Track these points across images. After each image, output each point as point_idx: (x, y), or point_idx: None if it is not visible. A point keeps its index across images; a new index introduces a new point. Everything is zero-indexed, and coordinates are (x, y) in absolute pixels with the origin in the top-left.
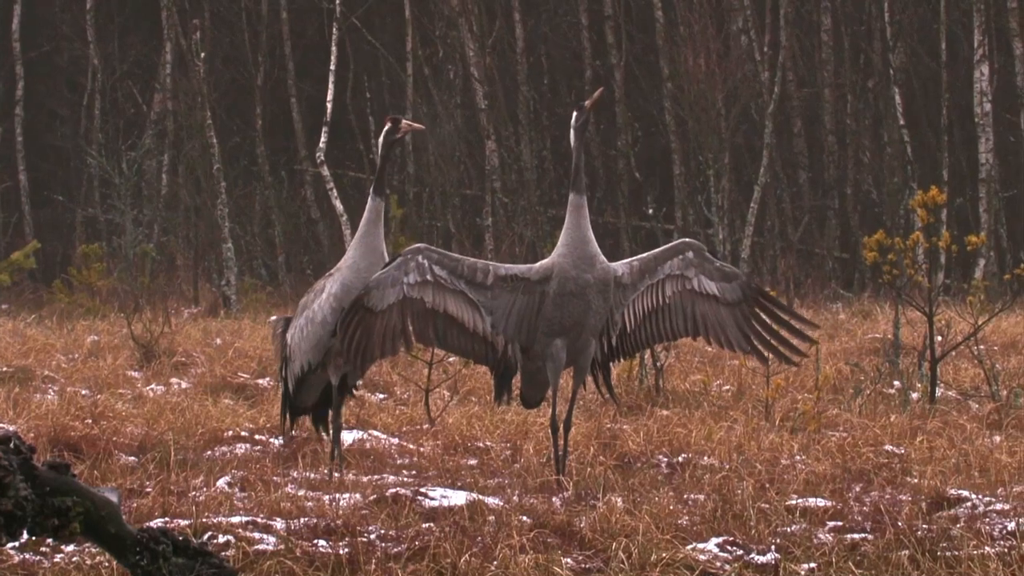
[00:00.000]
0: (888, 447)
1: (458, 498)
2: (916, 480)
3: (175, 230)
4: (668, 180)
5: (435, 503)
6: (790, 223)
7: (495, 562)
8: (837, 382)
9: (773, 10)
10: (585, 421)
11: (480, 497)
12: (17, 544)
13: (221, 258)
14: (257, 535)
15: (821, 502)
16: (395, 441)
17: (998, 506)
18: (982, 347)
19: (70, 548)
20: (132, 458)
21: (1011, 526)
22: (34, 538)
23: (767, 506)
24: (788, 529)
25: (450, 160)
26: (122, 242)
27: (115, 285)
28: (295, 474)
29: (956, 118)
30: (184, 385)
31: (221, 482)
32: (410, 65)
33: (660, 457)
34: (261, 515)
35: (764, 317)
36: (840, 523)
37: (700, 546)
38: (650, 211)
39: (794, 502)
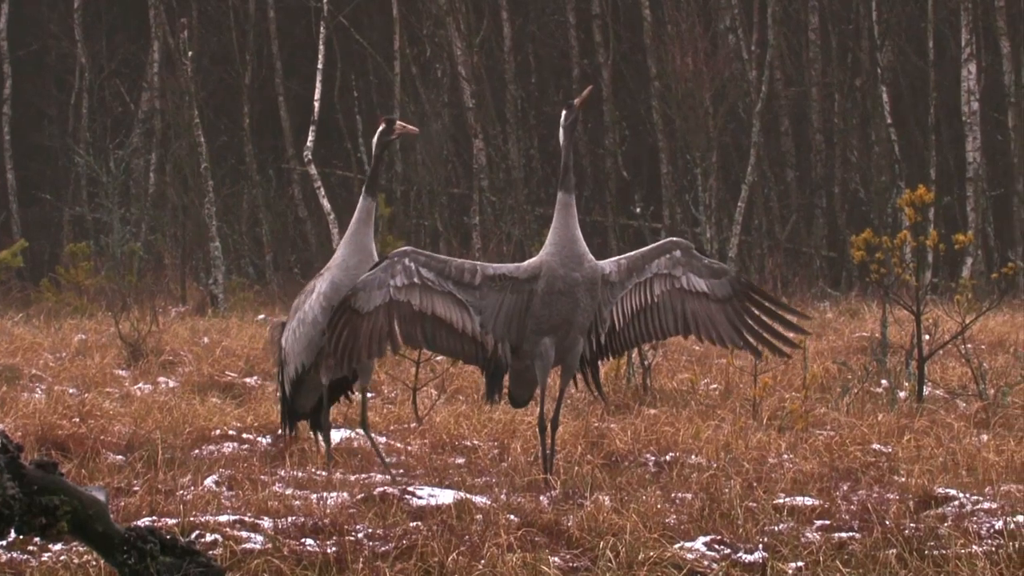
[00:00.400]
0: (876, 446)
1: (446, 497)
2: (904, 479)
3: (163, 229)
4: (656, 179)
5: (423, 502)
6: (778, 222)
7: (482, 561)
8: (825, 381)
9: (761, 9)
10: (573, 420)
11: (468, 496)
12: (5, 543)
13: (209, 257)
14: (245, 534)
15: (809, 501)
16: (383, 440)
17: (985, 505)
18: (969, 346)
19: (58, 547)
20: (120, 457)
21: (998, 525)
22: (22, 537)
23: (755, 505)
24: (776, 528)
25: (438, 159)
26: (110, 241)
27: (103, 284)
28: (283, 473)
29: (944, 117)
30: (172, 384)
31: (209, 481)
32: (398, 64)
33: (648, 456)
34: (249, 514)
35: (755, 311)
36: (828, 522)
37: (688, 545)
38: (638, 210)
39: (782, 501)
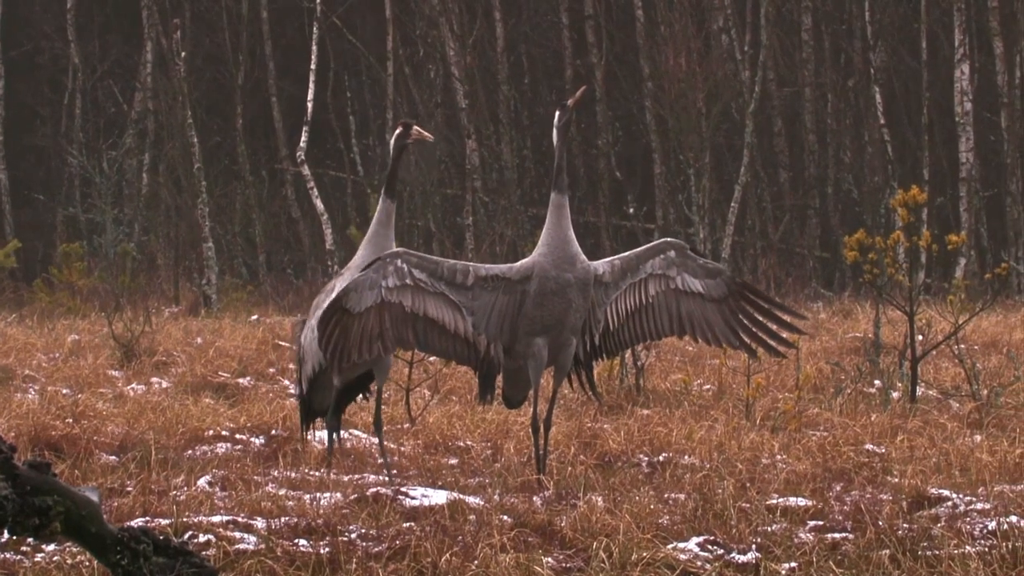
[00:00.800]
0: (869, 446)
1: (439, 497)
2: (897, 479)
3: (156, 229)
4: (649, 179)
5: (416, 502)
6: (771, 222)
7: (475, 561)
8: (818, 381)
9: (754, 9)
10: (566, 420)
11: (461, 496)
12: None
13: (202, 257)
14: (238, 534)
15: (802, 501)
16: (376, 440)
17: (979, 505)
18: (962, 346)
19: (51, 547)
20: (113, 457)
21: (991, 525)
22: (15, 537)
23: (748, 505)
24: (769, 528)
25: (431, 159)
26: (103, 241)
27: (96, 284)
28: (276, 473)
29: (937, 117)
30: (165, 384)
31: (202, 481)
32: (391, 64)
33: (641, 456)
34: (242, 514)
35: (751, 311)
36: (821, 522)
37: (681, 545)
38: (631, 210)
39: (775, 501)
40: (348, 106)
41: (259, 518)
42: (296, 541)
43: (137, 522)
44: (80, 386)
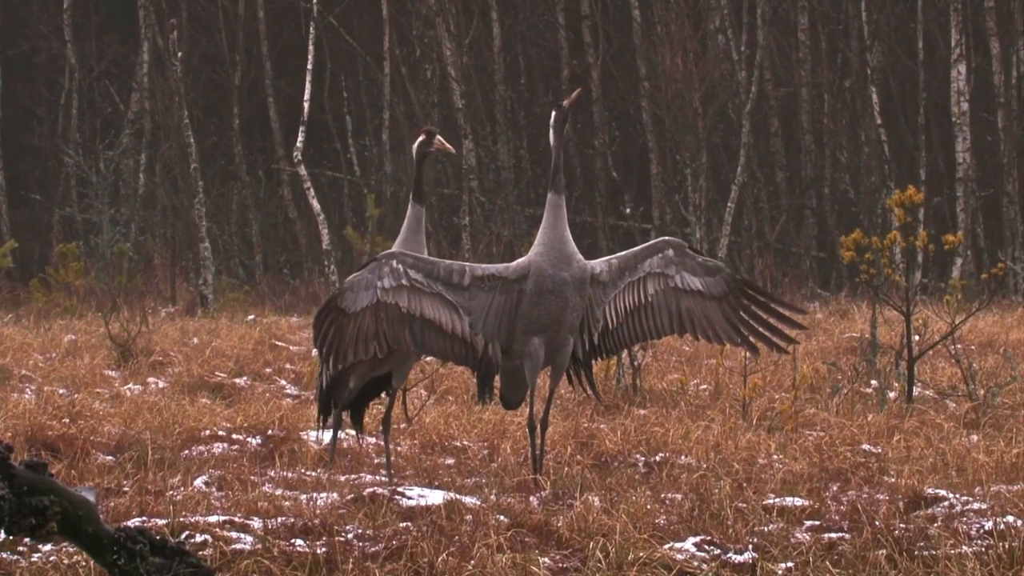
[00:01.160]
0: (865, 446)
1: (435, 497)
2: (893, 479)
3: (152, 229)
4: (645, 179)
5: (412, 502)
6: (767, 222)
7: (472, 561)
8: (814, 381)
9: (750, 9)
10: (562, 420)
11: (457, 496)
12: None
13: (198, 257)
14: (234, 534)
15: (798, 501)
16: (371, 440)
17: (975, 505)
18: (959, 346)
19: (47, 547)
20: (109, 457)
21: (988, 525)
22: (11, 537)
23: (744, 505)
24: (765, 528)
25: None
26: (99, 241)
27: (92, 284)
28: (272, 473)
29: (933, 117)
30: (161, 384)
31: (198, 481)
32: (387, 64)
33: (637, 456)
34: (238, 514)
35: (751, 307)
36: (817, 522)
37: (677, 545)
38: (627, 210)
39: (771, 501)
40: (345, 106)
41: (256, 518)
42: (293, 541)
43: (134, 522)
44: (77, 386)
